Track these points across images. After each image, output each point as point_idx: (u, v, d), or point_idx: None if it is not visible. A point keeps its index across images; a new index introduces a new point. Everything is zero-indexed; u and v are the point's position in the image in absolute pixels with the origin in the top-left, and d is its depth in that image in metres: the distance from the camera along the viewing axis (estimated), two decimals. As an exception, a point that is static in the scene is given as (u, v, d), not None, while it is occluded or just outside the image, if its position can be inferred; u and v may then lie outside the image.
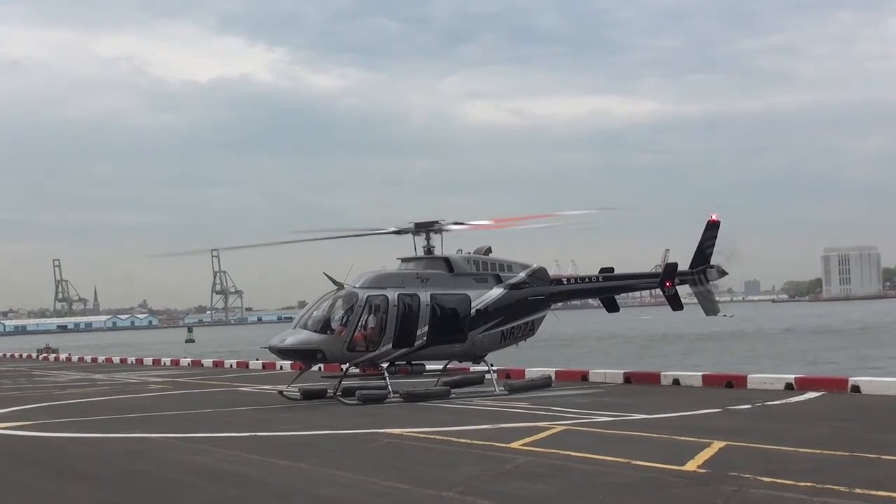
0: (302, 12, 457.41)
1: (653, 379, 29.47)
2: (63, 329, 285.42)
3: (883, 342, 70.85)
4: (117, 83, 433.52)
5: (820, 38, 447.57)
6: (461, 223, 28.97)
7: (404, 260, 28.73)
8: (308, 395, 27.52)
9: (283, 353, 27.53)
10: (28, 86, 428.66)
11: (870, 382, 24.44)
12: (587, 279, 30.96)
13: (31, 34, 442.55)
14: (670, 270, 30.91)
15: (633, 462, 14.49)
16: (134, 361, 57.31)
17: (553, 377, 30.30)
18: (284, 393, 27.70)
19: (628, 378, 29.90)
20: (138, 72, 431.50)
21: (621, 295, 32.75)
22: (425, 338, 27.04)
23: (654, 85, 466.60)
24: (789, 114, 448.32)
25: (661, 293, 31.33)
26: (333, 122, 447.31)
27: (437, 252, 28.55)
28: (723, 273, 31.65)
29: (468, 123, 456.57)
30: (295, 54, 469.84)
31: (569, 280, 31.14)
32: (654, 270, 33.59)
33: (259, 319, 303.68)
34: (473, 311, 27.80)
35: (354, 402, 26.05)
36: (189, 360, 54.23)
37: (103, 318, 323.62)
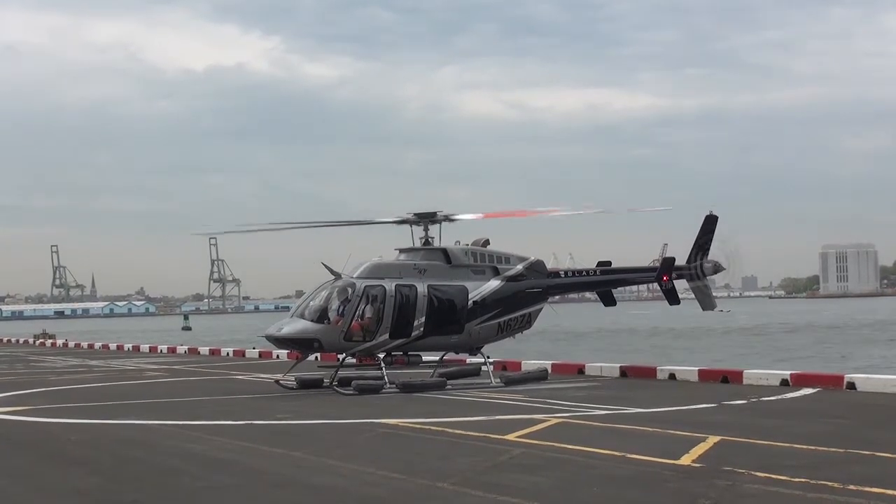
0: (296, 0, 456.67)
1: (649, 373, 29.49)
2: (60, 315, 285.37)
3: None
4: (113, 70, 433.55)
5: (815, 34, 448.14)
6: (460, 215, 28.98)
7: (402, 250, 28.73)
8: (304, 385, 27.51)
9: (279, 342, 27.52)
10: (24, 71, 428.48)
11: (865, 380, 24.44)
12: (585, 272, 30.98)
13: (25, 18, 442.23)
14: (668, 265, 30.92)
15: (628, 455, 14.50)
16: (130, 348, 57.26)
17: (549, 370, 30.29)
18: (281, 382, 27.68)
19: (624, 372, 29.90)
20: (133, 59, 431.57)
21: (618, 289, 32.76)
22: (422, 329, 27.04)
23: (650, 78, 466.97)
24: (786, 109, 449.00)
25: (658, 287, 31.33)
26: (329, 112, 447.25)
27: (436, 243, 28.55)
28: (720, 268, 31.68)
29: (465, 114, 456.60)
30: (290, 43, 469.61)
31: (566, 273, 31.18)
32: (651, 265, 33.61)
33: (256, 308, 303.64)
34: (470, 302, 27.79)
35: (350, 392, 26.06)
36: (186, 347, 54.23)
37: (100, 304, 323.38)
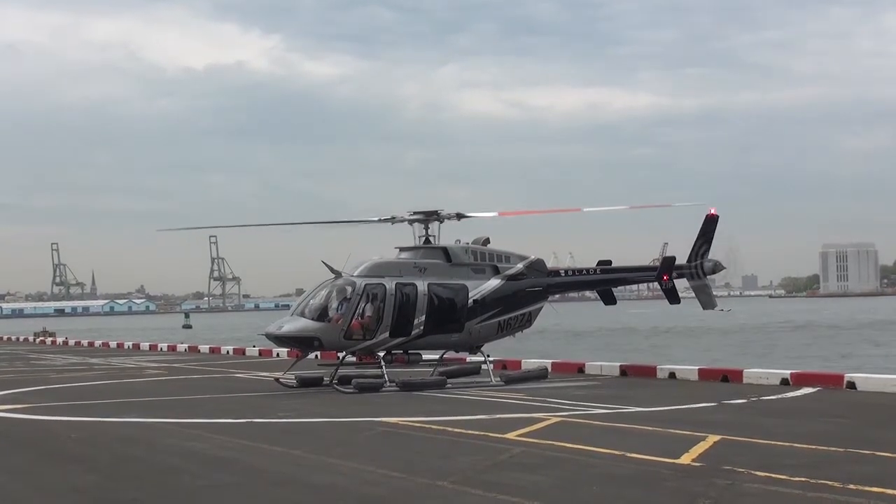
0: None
1: (649, 372, 29.49)
2: (60, 313, 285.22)
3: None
4: (113, 69, 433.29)
5: (815, 34, 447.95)
6: (460, 213, 28.97)
7: (402, 249, 28.72)
8: (304, 383, 27.52)
9: (280, 340, 27.55)
10: (24, 71, 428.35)
11: (865, 379, 24.44)
12: (585, 272, 30.99)
13: (26, 17, 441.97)
14: (668, 264, 30.91)
15: (628, 454, 14.50)
16: (131, 346, 57.22)
17: (549, 369, 30.29)
18: (281, 380, 27.69)
19: (624, 371, 29.90)
20: (133, 57, 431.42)
21: (619, 288, 32.76)
22: (422, 327, 27.04)
23: (650, 78, 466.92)
24: (786, 109, 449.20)
25: (658, 286, 31.32)
26: (329, 111, 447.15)
27: (436, 242, 28.54)
28: (720, 267, 31.67)
29: (465, 114, 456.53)
30: (290, 42, 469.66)
31: (566, 272, 31.18)
32: (652, 264, 33.60)
33: (256, 306, 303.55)
34: (471, 301, 27.79)
35: (350, 390, 26.05)
36: (186, 345, 54.22)
37: (101, 302, 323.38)
